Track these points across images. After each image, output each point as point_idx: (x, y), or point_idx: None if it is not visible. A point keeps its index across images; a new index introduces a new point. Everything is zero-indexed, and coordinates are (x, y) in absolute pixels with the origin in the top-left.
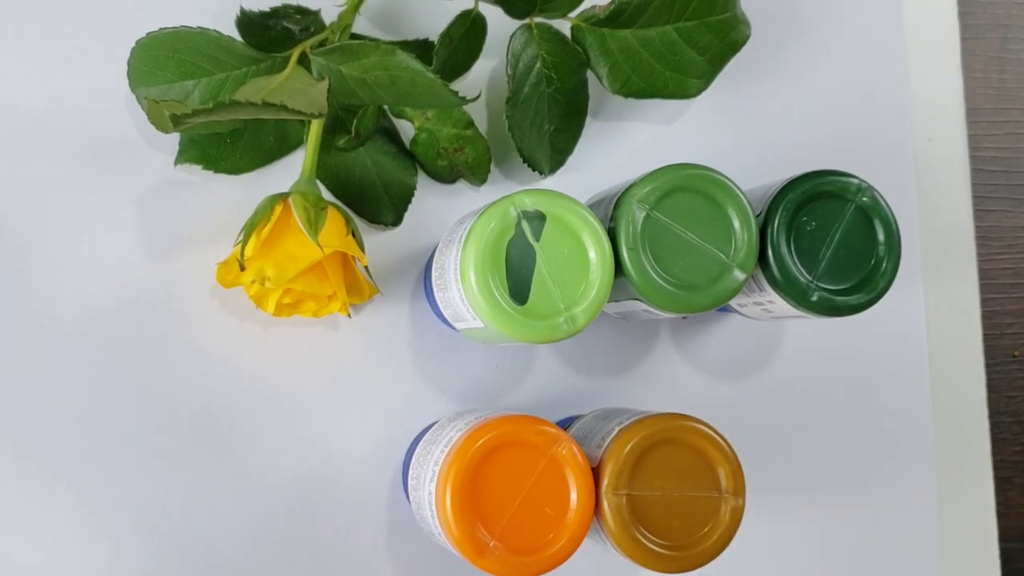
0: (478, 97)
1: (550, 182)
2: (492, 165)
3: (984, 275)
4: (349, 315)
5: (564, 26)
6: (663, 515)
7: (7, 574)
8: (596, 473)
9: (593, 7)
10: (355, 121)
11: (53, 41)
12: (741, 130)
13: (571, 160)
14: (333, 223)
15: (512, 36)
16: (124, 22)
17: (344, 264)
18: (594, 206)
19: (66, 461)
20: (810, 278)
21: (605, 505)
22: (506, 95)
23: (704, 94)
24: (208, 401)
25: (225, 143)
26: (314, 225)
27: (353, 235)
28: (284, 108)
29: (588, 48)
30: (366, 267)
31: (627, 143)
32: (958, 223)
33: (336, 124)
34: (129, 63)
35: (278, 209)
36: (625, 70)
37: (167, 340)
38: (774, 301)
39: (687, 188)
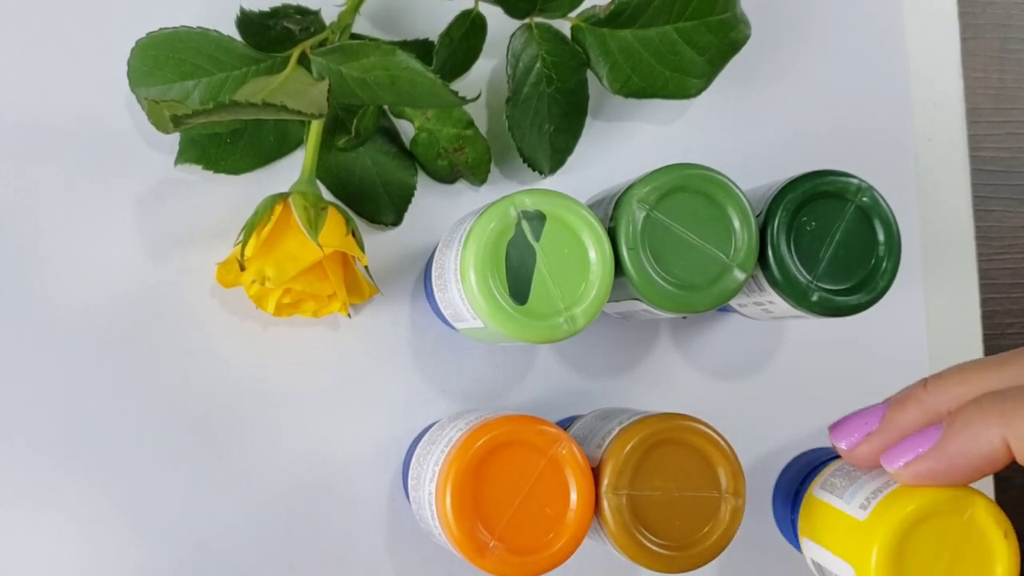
0: (478, 97)
1: (550, 182)
2: (492, 165)
3: (984, 275)
4: (349, 315)
5: (564, 26)
6: (663, 515)
7: (7, 574)
8: (596, 473)
9: (593, 7)
10: (355, 121)
11: (53, 41)
12: (741, 130)
13: (571, 160)
14: (333, 223)
15: (512, 36)
16: (124, 22)
17: (344, 264)
18: (594, 206)
19: (66, 461)
20: (810, 278)
21: (605, 505)
22: (506, 95)
23: (704, 94)
24: (208, 401)
25: (225, 143)
26: (314, 225)
27: (353, 235)
28: (284, 108)
29: (588, 48)
30: (366, 267)
31: (627, 143)
32: (958, 223)
33: (336, 124)
34: (129, 63)
35: (278, 209)
36: (625, 70)
37: (167, 340)
38: (774, 301)
39: (687, 188)
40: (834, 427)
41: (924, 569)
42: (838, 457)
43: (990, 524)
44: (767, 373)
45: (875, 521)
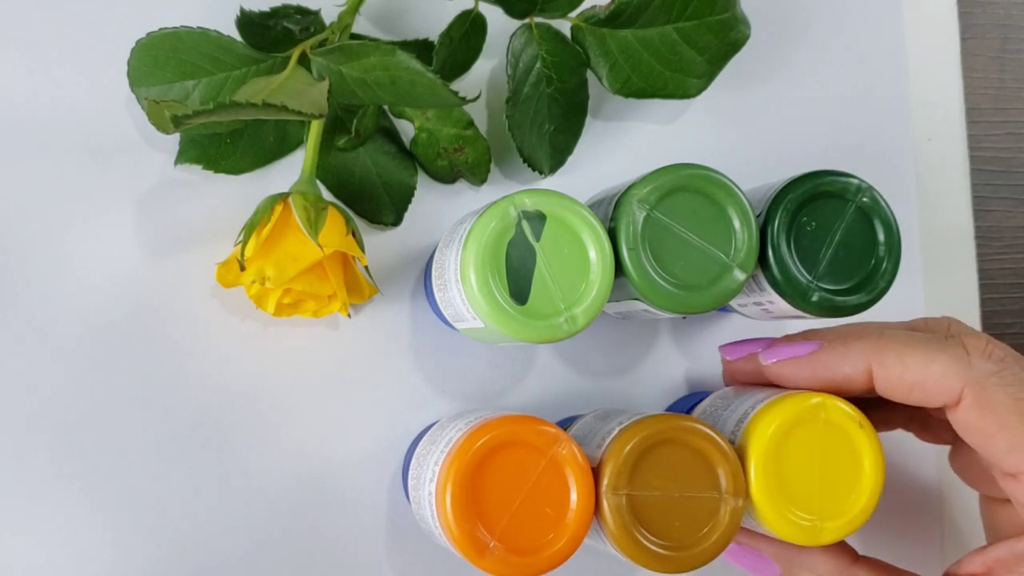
0: (478, 97)
1: (550, 182)
2: (492, 165)
3: (984, 275)
4: (349, 315)
5: (564, 26)
6: (663, 515)
7: (8, 574)
8: (596, 473)
9: (593, 7)
10: (355, 121)
11: (53, 41)
12: (741, 130)
13: (571, 160)
14: (333, 223)
15: (512, 36)
16: (124, 22)
17: (344, 264)
18: (594, 206)
19: (66, 461)
20: (810, 278)
21: (605, 505)
22: (506, 95)
23: (704, 94)
24: (208, 401)
25: (225, 143)
26: (314, 225)
27: (353, 235)
28: (284, 108)
29: (588, 48)
30: (366, 267)
31: (627, 143)
32: (958, 223)
33: (336, 124)
34: (129, 63)
35: (278, 209)
36: (625, 70)
37: (167, 340)
38: (774, 301)
39: (687, 188)
40: (726, 345)
41: (801, 477)
42: (697, 405)
43: (845, 419)
44: None
45: (744, 445)
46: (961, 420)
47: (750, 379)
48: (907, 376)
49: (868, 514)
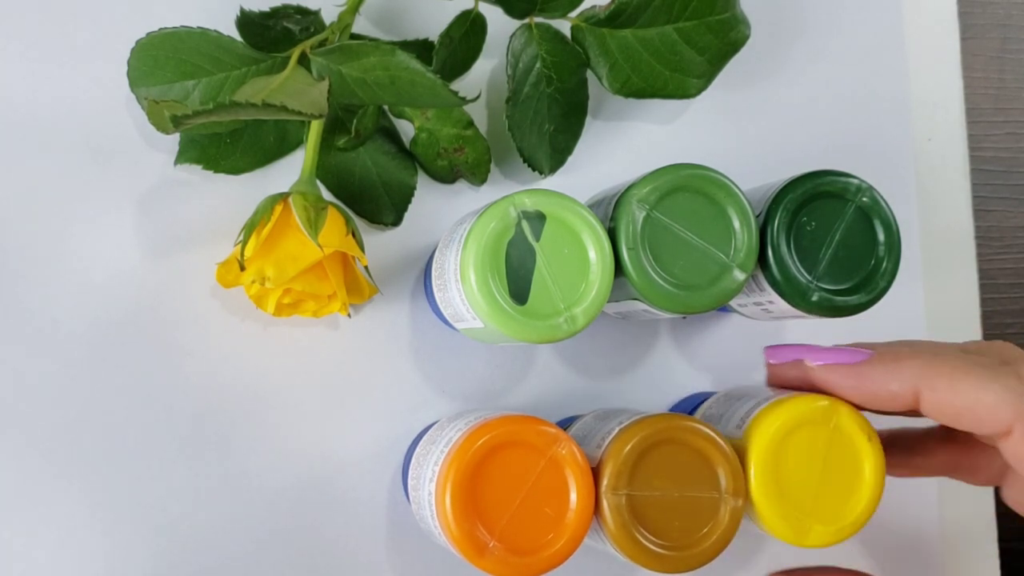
0: (478, 97)
1: (550, 182)
2: (492, 165)
3: (984, 275)
4: (349, 315)
5: (564, 26)
6: (663, 515)
7: (8, 573)
8: (596, 473)
9: (593, 7)
10: (355, 121)
11: (53, 41)
12: (741, 130)
13: (571, 160)
14: (333, 223)
15: (512, 36)
16: (124, 22)
17: (344, 264)
18: (594, 206)
19: (66, 461)
20: (810, 278)
21: (605, 505)
22: (506, 95)
23: (704, 94)
24: (208, 401)
25: (225, 143)
26: (314, 225)
27: (353, 235)
28: (284, 109)
29: (588, 48)
30: (366, 267)
31: (627, 143)
32: (958, 223)
33: (336, 124)
34: (129, 63)
35: (278, 209)
36: (625, 70)
37: (167, 340)
38: (774, 301)
39: (687, 188)
40: (771, 347)
41: (800, 475)
42: (701, 404)
43: (855, 430)
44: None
45: (749, 436)
46: (1012, 451)
47: (793, 384)
48: (957, 401)
49: (860, 526)
